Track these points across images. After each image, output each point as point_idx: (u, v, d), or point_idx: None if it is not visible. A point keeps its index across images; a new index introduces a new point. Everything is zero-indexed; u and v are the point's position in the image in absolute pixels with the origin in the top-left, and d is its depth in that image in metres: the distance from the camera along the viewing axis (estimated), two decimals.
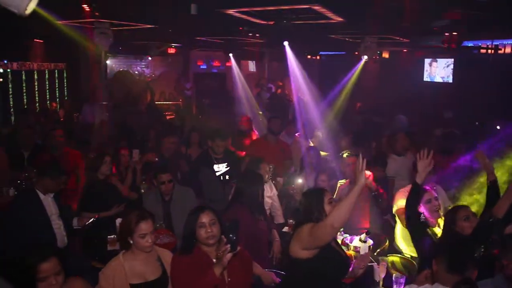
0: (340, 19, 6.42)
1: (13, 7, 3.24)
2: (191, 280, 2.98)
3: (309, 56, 13.97)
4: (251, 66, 18.92)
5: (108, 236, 4.40)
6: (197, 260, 3.10)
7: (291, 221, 4.84)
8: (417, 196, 3.72)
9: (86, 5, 5.76)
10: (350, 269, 3.28)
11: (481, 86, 10.99)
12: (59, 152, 5.80)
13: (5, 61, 10.48)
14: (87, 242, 4.68)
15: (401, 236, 4.70)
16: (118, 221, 4.56)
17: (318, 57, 13.95)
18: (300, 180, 5.40)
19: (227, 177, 5.72)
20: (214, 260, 3.07)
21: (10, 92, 11.03)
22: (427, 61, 13.89)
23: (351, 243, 4.09)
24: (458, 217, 3.52)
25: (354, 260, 3.53)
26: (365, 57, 9.21)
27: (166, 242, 4.20)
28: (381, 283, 3.71)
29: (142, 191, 5.60)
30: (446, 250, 2.78)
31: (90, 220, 4.54)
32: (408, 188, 4.72)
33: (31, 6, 3.32)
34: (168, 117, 12.23)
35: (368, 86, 13.73)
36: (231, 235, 2.89)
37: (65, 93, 14.09)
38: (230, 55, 12.54)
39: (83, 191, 5.19)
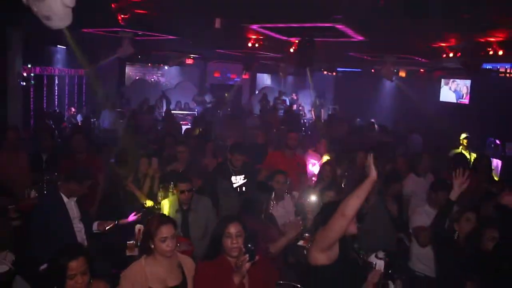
0: (361, 37, 6.52)
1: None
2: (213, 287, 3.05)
3: (325, 72, 14.07)
4: (267, 79, 19.09)
5: (127, 242, 4.48)
6: (220, 267, 3.17)
7: (306, 235, 4.88)
8: (448, 213, 3.74)
9: (116, 15, 5.92)
10: None
11: (497, 108, 11.01)
12: (82, 157, 5.90)
13: (29, 65, 10.72)
14: (106, 247, 4.75)
15: (417, 255, 4.72)
16: (137, 227, 4.66)
17: (334, 73, 14.03)
18: (314, 198, 5.44)
19: (243, 189, 5.79)
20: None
21: (32, 96, 11.27)
22: (444, 81, 13.92)
23: (367, 259, 4.12)
24: (486, 237, 3.58)
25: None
26: (394, 78, 9.18)
27: (183, 250, 4.26)
28: None
29: (160, 199, 5.69)
30: (479, 272, 2.79)
31: (110, 225, 4.62)
32: (425, 208, 4.77)
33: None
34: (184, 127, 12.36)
35: (383, 104, 13.79)
36: (249, 245, 2.98)
37: (84, 98, 14.38)
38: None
39: (102, 197, 5.30)
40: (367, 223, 4.86)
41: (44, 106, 12.12)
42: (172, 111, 14.26)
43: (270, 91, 17.32)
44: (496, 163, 7.42)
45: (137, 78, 17.22)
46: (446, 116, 12.19)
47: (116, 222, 4.71)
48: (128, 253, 4.42)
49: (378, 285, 3.64)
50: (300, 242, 4.90)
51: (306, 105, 16.68)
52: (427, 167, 6.16)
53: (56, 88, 12.88)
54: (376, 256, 4.00)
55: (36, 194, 5.57)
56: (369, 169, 3.02)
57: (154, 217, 3.41)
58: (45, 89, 12.13)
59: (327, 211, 3.35)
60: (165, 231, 3.27)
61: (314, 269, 3.19)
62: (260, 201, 4.24)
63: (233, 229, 3.21)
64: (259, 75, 18.24)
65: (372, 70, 13.52)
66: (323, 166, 6.30)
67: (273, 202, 4.88)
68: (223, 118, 12.74)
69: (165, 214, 3.46)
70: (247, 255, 2.97)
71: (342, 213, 2.98)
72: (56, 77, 12.79)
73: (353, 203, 2.98)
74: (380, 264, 3.93)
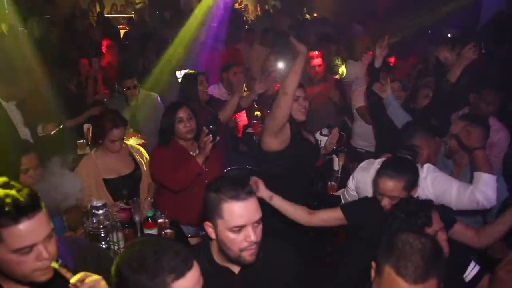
0: None
1: None
2: (174, 170, 3.18)
3: None
4: None
5: (78, 141, 4.48)
6: (176, 151, 3.31)
7: (254, 121, 5.06)
8: (375, 79, 3.95)
9: None
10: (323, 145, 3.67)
11: None
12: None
13: None
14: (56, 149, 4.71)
15: (358, 134, 5.06)
16: (85, 126, 4.64)
17: None
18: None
19: None
20: (192, 153, 3.29)
21: None
22: None
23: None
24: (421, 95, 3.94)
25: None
26: None
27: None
28: (339, 171, 4.09)
29: (105, 100, 5.60)
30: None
31: (56, 129, 4.53)
32: (363, 88, 5.01)
33: None
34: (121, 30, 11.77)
35: None
36: (211, 126, 3.11)
37: None
38: None
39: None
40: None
41: None
42: (107, 15, 13.44)
43: None
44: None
45: None
46: (387, 4, 12.20)
47: (62, 126, 4.60)
48: (79, 152, 4.44)
49: (324, 157, 3.94)
50: (249, 129, 5.10)
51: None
52: (363, 51, 6.31)
53: None
54: (321, 133, 4.28)
55: None
56: (296, 46, 3.07)
57: (109, 117, 3.39)
58: None
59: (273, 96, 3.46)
60: (117, 134, 3.35)
61: (268, 154, 3.29)
62: (195, 92, 4.31)
63: (182, 113, 3.29)
64: None
65: None
66: (268, 59, 6.33)
67: None
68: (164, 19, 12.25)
69: (119, 115, 3.46)
70: (211, 136, 3.10)
71: (284, 91, 3.04)
72: None
73: (291, 79, 3.04)
74: (324, 141, 4.21)
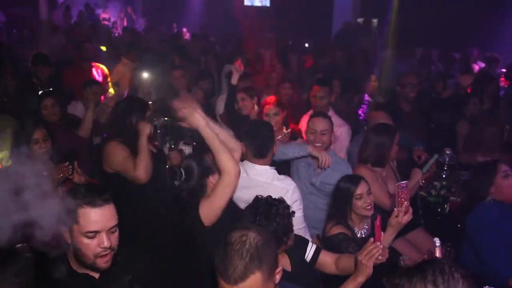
0: None
1: None
2: None
3: None
4: None
5: None
6: None
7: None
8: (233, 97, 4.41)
9: None
10: None
11: (295, 11, 12.14)
12: None
13: None
14: None
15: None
16: None
17: None
18: None
19: None
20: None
21: None
22: None
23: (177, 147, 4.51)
24: None
25: None
26: None
27: None
28: None
29: None
30: None
31: None
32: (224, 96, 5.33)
33: None
34: None
35: (191, 10, 13.93)
36: (67, 163, 3.10)
37: None
38: None
39: None
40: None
41: None
42: None
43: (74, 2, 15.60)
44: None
45: None
46: (250, 20, 12.91)
47: None
48: None
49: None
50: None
51: (114, 17, 15.67)
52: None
53: None
54: (185, 143, 4.44)
55: None
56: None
57: None
58: None
59: None
60: None
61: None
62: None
63: (38, 134, 3.27)
64: None
65: None
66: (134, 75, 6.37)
67: None
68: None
69: None
70: (67, 170, 3.05)
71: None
72: None
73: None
74: (189, 149, 4.37)
